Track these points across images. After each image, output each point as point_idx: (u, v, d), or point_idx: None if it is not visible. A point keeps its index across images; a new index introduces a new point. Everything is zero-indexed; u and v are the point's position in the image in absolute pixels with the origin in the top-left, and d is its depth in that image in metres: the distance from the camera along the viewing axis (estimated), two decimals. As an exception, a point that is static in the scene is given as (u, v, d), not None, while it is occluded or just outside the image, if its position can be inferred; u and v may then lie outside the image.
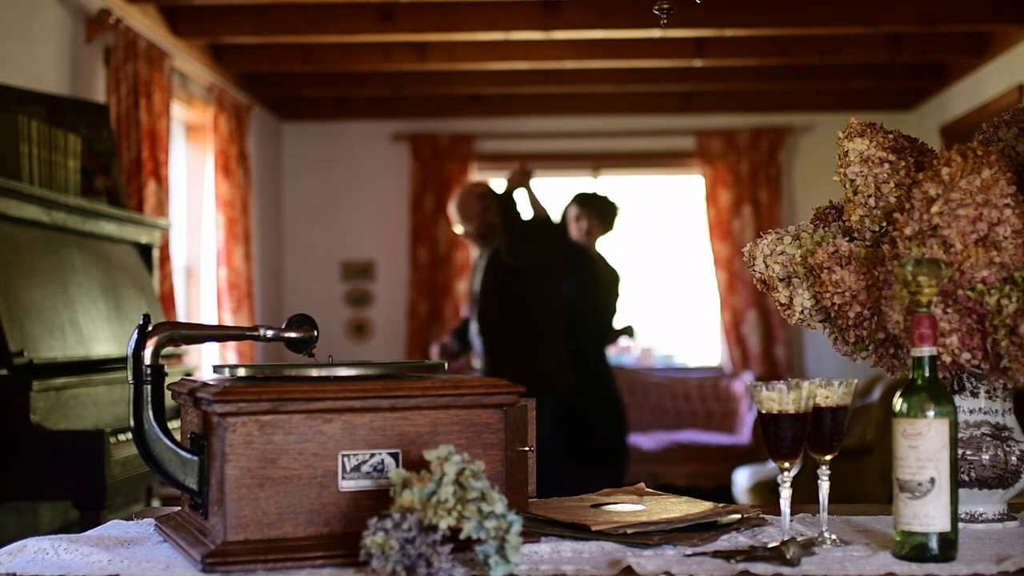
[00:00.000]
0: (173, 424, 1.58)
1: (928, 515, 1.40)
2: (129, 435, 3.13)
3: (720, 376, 7.84)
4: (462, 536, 1.30)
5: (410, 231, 7.91)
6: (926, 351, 1.43)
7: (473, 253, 5.34)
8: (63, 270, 3.36)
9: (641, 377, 7.74)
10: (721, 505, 1.66)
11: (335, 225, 7.96)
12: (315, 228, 7.99)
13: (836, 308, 1.68)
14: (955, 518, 1.41)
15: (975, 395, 1.69)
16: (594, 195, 5.64)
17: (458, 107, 7.77)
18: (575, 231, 5.49)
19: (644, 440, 6.99)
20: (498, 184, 5.17)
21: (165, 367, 1.51)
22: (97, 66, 4.97)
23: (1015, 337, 1.50)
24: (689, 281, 8.11)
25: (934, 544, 1.40)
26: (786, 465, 1.50)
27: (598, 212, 5.51)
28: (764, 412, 1.50)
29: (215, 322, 6.27)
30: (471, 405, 1.49)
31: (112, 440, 3.06)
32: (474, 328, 4.88)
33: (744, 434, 7.20)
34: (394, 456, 1.46)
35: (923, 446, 1.40)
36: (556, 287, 4.92)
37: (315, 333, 1.67)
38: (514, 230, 4.79)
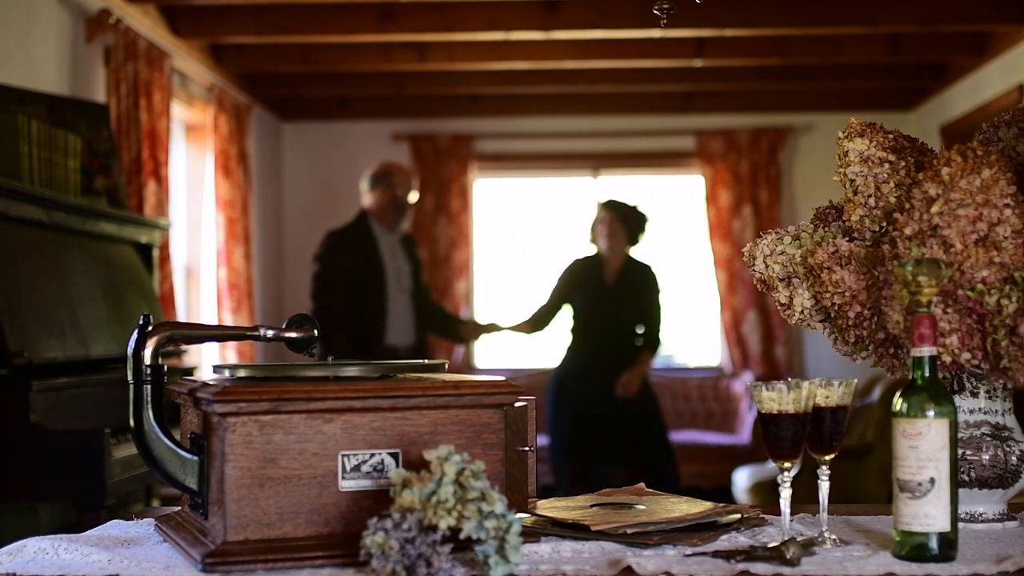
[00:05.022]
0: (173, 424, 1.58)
1: (928, 515, 1.40)
2: (129, 435, 3.13)
3: (720, 376, 7.84)
4: (462, 536, 1.30)
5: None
6: (926, 351, 1.43)
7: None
8: (63, 270, 3.36)
9: (641, 377, 7.74)
10: (721, 505, 1.67)
11: (335, 225, 7.93)
12: (315, 228, 7.97)
13: (836, 308, 1.68)
14: (955, 518, 1.41)
15: (975, 395, 1.69)
16: (623, 203, 5.41)
17: (458, 107, 7.77)
18: (598, 232, 5.33)
19: (644, 440, 6.99)
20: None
21: (165, 367, 1.51)
22: (97, 66, 4.96)
23: (1015, 337, 1.50)
24: (689, 281, 8.11)
25: (934, 544, 1.40)
26: (786, 465, 1.50)
27: (623, 218, 5.31)
28: (764, 412, 1.50)
29: (215, 322, 6.26)
30: (471, 405, 1.49)
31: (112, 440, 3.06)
32: None
33: (744, 434, 7.20)
34: (394, 456, 1.45)
35: (923, 446, 1.40)
36: None
37: (315, 333, 1.67)
38: None
